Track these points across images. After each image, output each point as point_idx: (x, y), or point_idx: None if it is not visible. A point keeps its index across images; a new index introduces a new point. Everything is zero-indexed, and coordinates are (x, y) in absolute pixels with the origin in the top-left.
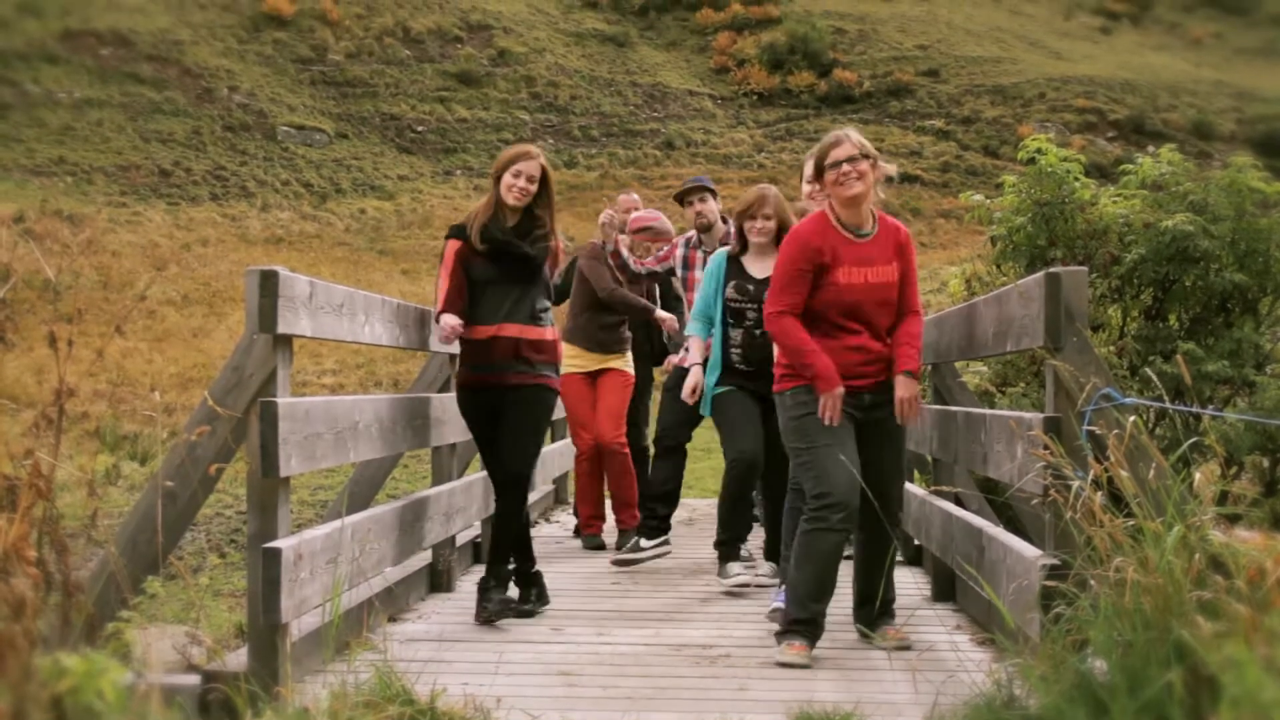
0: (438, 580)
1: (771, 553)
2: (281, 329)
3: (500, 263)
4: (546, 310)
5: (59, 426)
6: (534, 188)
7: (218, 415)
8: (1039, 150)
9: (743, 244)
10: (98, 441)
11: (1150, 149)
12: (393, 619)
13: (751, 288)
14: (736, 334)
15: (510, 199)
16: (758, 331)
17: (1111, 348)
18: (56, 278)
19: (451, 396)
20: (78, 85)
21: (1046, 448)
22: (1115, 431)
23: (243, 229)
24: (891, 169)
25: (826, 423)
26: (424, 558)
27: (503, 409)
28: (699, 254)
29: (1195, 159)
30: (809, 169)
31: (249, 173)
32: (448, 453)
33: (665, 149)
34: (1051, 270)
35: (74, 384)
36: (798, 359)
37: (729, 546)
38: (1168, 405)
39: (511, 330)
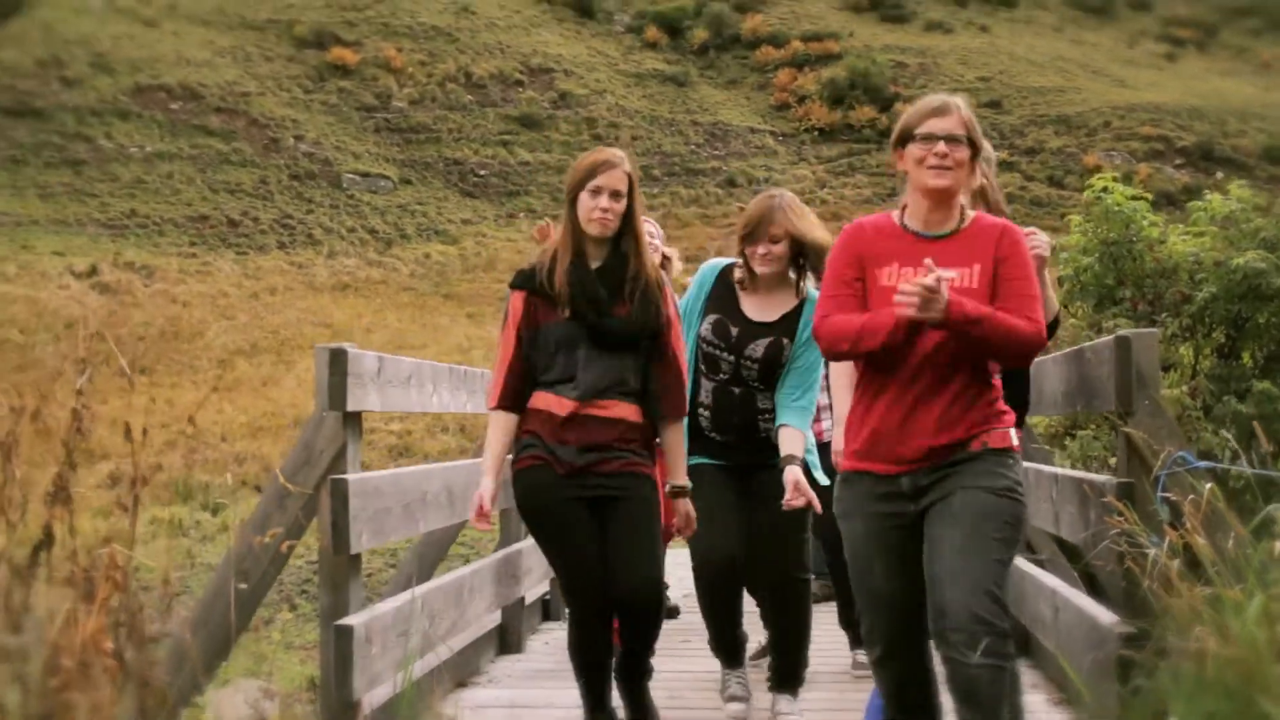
0: (507, 641)
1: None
2: (350, 406)
3: (586, 323)
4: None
5: (134, 515)
6: (621, 206)
7: (289, 492)
8: (1104, 189)
9: (751, 274)
10: (170, 492)
11: (1219, 175)
12: (462, 684)
13: (736, 331)
14: (707, 387)
15: (593, 230)
16: (736, 390)
17: (1184, 387)
18: (131, 371)
19: None
20: (149, 139)
21: (1120, 514)
22: (1191, 497)
23: (310, 276)
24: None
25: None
26: (493, 619)
27: (598, 505)
28: None
29: (1266, 184)
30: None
31: (315, 220)
32: (515, 514)
33: (727, 187)
34: (1121, 334)
35: (147, 435)
36: (859, 337)
37: (728, 655)
38: (1245, 469)
39: (594, 410)
